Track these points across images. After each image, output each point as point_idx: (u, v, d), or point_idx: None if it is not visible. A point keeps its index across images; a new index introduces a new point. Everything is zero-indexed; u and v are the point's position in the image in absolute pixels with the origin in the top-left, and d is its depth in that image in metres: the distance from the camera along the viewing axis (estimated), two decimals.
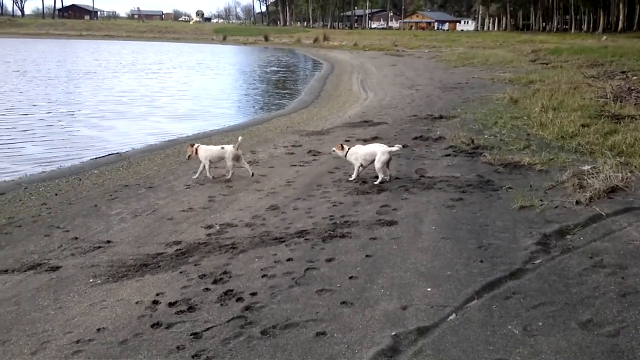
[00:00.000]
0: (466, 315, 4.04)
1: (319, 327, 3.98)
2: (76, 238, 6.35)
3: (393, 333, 3.84)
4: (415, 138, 10.92)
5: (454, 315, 4.06)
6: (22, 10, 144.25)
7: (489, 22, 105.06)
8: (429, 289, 4.46)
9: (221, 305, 4.44)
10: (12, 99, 20.39)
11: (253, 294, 4.59)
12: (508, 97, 15.14)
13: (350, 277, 4.77)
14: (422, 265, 4.91)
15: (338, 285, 4.65)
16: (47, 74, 30.43)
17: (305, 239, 5.77)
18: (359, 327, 3.96)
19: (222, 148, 8.64)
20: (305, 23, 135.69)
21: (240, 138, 8.80)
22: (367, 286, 4.58)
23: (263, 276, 4.93)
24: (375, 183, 7.72)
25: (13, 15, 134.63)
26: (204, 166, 8.65)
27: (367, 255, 5.20)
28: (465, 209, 6.46)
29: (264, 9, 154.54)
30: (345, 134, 12.06)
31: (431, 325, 3.93)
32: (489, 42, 55.08)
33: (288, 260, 5.25)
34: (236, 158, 8.62)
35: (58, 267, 5.48)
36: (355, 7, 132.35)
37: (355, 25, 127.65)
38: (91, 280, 5.15)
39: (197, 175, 8.76)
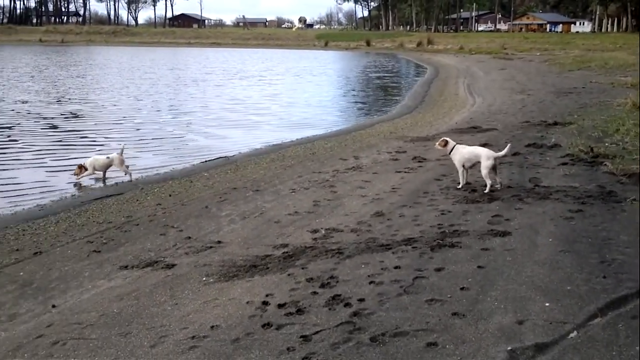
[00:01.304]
0: (589, 334, 3.85)
1: (430, 338, 3.94)
2: (189, 237, 6.70)
3: (509, 348, 3.72)
4: (528, 145, 10.52)
5: (575, 332, 3.88)
6: (135, 19, 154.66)
7: (607, 23, 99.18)
8: (547, 304, 4.28)
9: (329, 309, 4.51)
10: (129, 104, 21.86)
11: (361, 300, 4.62)
12: (631, 103, 14.20)
13: (462, 288, 4.68)
14: (539, 279, 4.73)
15: (449, 295, 4.57)
16: (159, 81, 32.32)
17: (413, 247, 5.73)
18: (472, 340, 3.87)
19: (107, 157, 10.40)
20: (408, 27, 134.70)
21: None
22: (480, 298, 4.47)
23: (370, 283, 4.95)
24: (485, 191, 7.51)
25: (128, 25, 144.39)
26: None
27: (479, 266, 5.08)
28: (586, 221, 6.14)
29: (365, 13, 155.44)
30: (453, 140, 11.82)
31: (550, 342, 3.78)
32: (608, 44, 51.95)
33: (395, 267, 5.24)
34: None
35: (173, 265, 5.80)
36: (461, 10, 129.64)
37: (461, 28, 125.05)
38: (204, 278, 5.41)
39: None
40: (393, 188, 8.30)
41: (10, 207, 8.66)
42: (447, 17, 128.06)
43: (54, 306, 4.95)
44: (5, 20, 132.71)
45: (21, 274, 5.74)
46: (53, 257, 6.19)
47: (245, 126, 17.22)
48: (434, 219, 6.65)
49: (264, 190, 8.85)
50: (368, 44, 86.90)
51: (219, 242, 6.48)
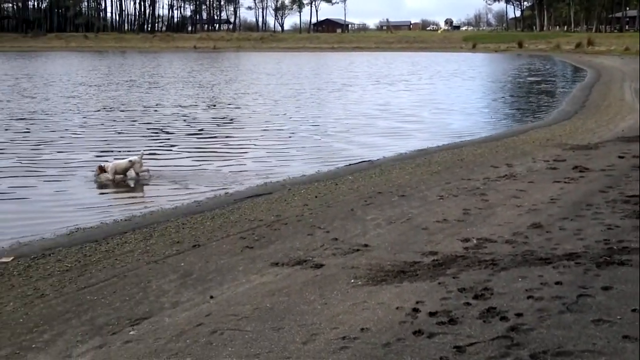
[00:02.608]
0: None
1: None
2: (336, 239, 6.86)
3: None
4: None
5: None
6: (282, 25, 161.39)
7: None
8: None
9: (484, 322, 4.39)
10: (276, 109, 22.91)
11: (518, 315, 4.45)
12: None
13: (633, 310, 4.33)
14: None
15: (618, 317, 4.26)
16: (305, 86, 33.49)
17: (576, 263, 5.41)
18: None
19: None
20: (565, 27, 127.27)
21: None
22: None
23: (528, 297, 4.75)
24: None
25: (274, 31, 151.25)
26: None
27: None
28: None
29: (517, 14, 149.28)
30: (619, 149, 11.03)
31: None
32: None
33: (557, 283, 4.98)
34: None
35: (321, 265, 5.97)
36: (627, 8, 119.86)
37: (627, 28, 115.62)
38: (352, 280, 5.51)
39: None
40: (552, 199, 7.90)
41: (172, 202, 9.43)
42: (610, 15, 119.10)
43: (211, 297, 5.31)
44: (164, 28, 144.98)
45: (182, 264, 6.22)
46: (210, 251, 6.64)
47: (393, 134, 16.83)
48: (599, 233, 6.23)
49: (410, 195, 8.83)
50: (520, 45, 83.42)
51: (366, 245, 6.57)
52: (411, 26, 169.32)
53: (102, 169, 10.66)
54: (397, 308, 4.77)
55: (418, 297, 4.94)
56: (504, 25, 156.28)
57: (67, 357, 4.31)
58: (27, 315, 5.06)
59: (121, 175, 10.76)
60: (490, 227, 6.90)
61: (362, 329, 4.43)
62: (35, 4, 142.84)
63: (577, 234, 6.30)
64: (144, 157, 11.15)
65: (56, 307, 5.22)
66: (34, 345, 4.51)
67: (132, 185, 10.78)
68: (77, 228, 8.04)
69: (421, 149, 13.63)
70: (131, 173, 10.84)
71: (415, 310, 4.69)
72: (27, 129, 17.24)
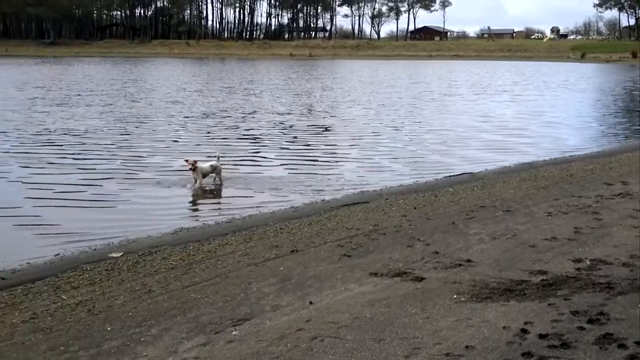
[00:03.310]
0: None
1: None
2: (437, 252, 6.76)
3: None
4: None
5: None
6: (378, 33, 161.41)
7: None
8: None
9: (600, 348, 4.19)
10: (371, 118, 22.96)
11: (638, 343, 4.20)
12: None
13: None
14: None
15: None
16: (403, 95, 33.30)
17: None
18: None
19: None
20: None
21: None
22: None
23: None
24: None
25: (370, 39, 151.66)
26: None
27: None
28: None
29: (631, 22, 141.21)
30: None
31: None
32: None
33: None
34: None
35: (422, 278, 5.90)
36: None
37: None
38: (455, 296, 5.40)
39: None
40: None
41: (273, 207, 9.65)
42: None
43: (311, 303, 5.37)
44: (261, 36, 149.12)
45: (281, 268, 6.35)
46: (308, 257, 6.73)
47: (495, 147, 16.15)
48: None
49: (516, 211, 8.55)
50: (634, 55, 79.05)
51: (469, 260, 6.42)
52: (514, 34, 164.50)
53: (194, 164, 10.87)
54: (503, 327, 4.63)
55: (526, 318, 4.78)
56: (616, 34, 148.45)
57: (174, 353, 4.50)
58: (135, 309, 5.34)
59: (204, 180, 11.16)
60: (605, 247, 6.57)
61: (467, 347, 4.34)
62: (142, 12, 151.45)
63: None
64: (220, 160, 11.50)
65: (162, 303, 5.47)
66: (142, 339, 4.75)
67: (218, 188, 11.18)
68: (181, 228, 8.40)
69: (526, 163, 13.17)
70: (211, 177, 11.30)
71: (524, 331, 4.54)
72: (130, 131, 18.24)
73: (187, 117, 22.13)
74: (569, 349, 4.21)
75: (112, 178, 11.77)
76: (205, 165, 11.14)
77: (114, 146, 15.42)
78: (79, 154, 14.45)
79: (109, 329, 4.95)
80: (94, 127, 18.76)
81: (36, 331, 4.96)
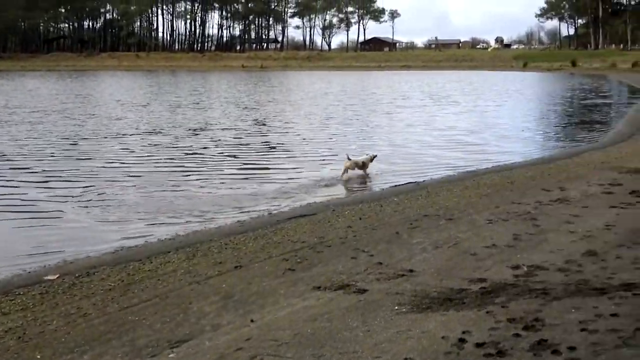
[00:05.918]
0: None
1: None
2: (380, 263, 6.75)
3: None
4: None
5: None
6: (329, 44, 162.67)
7: None
8: None
9: (534, 354, 4.23)
10: (323, 128, 22.98)
11: (571, 349, 4.26)
12: None
13: None
14: None
15: None
16: (354, 107, 33.54)
17: (634, 294, 5.19)
18: None
19: None
20: (621, 45, 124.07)
21: None
22: None
23: (582, 330, 4.55)
24: None
25: (321, 50, 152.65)
26: None
27: None
28: None
29: (571, 32, 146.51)
30: None
31: None
32: None
33: (612, 315, 4.77)
34: None
35: (365, 290, 5.87)
36: None
37: None
38: (396, 307, 5.39)
39: None
40: (607, 225, 7.62)
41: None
42: None
43: (252, 320, 5.27)
44: (213, 48, 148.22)
45: (224, 286, 6.22)
46: (252, 272, 6.62)
47: (440, 156, 16.55)
48: None
49: (458, 219, 8.65)
50: (574, 64, 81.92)
51: (411, 270, 6.43)
52: (460, 44, 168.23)
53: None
54: (442, 337, 4.64)
55: (465, 327, 4.80)
56: (557, 43, 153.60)
57: None
58: (69, 334, 5.13)
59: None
60: (542, 253, 6.69)
61: (405, 359, 4.32)
62: (91, 24, 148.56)
63: (634, 263, 6.05)
64: None
65: (98, 326, 5.28)
66: None
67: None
68: (122, 247, 8.17)
69: (469, 171, 13.39)
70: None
71: (462, 340, 4.56)
72: (68, 149, 17.74)
73: (131, 134, 21.61)
74: (504, 357, 4.24)
75: (50, 197, 11.36)
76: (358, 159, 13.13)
77: (51, 165, 14.88)
78: (11, 171, 13.92)
79: (38, 356, 4.73)
80: (30, 145, 18.16)
81: None
